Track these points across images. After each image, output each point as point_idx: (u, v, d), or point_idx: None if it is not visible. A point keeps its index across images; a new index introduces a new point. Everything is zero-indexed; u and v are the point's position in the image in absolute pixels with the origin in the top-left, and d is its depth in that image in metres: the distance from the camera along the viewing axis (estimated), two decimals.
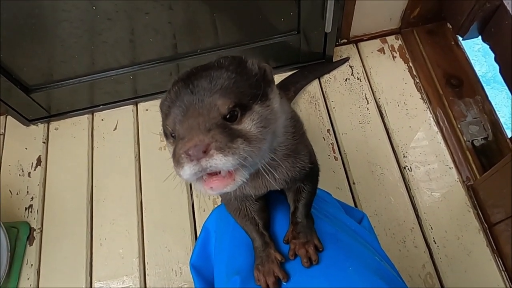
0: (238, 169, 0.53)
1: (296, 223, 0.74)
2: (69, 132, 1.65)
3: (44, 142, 1.64)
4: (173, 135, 0.57)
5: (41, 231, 1.47)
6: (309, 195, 0.76)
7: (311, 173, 0.76)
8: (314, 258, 0.69)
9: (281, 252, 0.72)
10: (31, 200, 1.53)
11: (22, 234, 1.44)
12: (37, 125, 1.68)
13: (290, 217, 0.76)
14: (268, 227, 0.77)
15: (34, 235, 1.46)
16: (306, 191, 0.76)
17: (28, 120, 1.65)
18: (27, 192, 1.54)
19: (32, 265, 1.41)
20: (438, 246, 1.30)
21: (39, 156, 1.61)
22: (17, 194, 1.54)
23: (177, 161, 0.52)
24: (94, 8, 1.21)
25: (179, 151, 0.51)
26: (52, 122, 1.68)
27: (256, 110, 0.57)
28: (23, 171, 1.59)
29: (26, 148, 1.63)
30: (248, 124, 0.56)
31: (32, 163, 1.60)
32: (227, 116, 0.55)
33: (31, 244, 1.45)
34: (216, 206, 1.40)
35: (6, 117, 1.71)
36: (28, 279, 1.40)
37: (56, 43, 1.33)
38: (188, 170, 0.51)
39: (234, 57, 0.63)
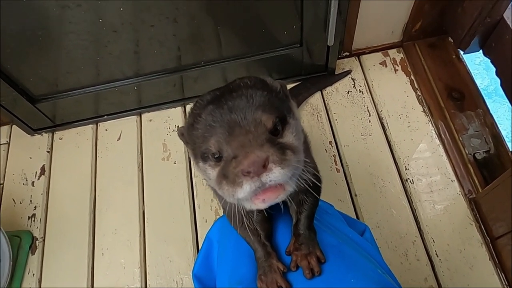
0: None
1: (298, 235, 0.74)
2: (73, 142, 1.66)
3: (48, 152, 1.65)
4: (216, 156, 0.56)
5: (44, 240, 1.48)
6: (311, 206, 0.77)
7: (314, 184, 0.76)
8: (316, 269, 0.69)
9: (283, 262, 0.72)
10: (34, 209, 1.53)
11: (24, 243, 1.44)
12: (42, 135, 1.69)
13: (292, 228, 0.76)
14: (270, 237, 0.78)
15: (37, 244, 1.47)
16: (309, 203, 0.76)
17: (33, 129, 1.66)
18: (30, 201, 1.55)
19: (33, 274, 1.41)
20: (440, 259, 1.30)
21: (43, 165, 1.62)
22: (21, 203, 1.55)
23: (233, 181, 0.51)
24: (100, 20, 1.24)
25: (234, 169, 0.51)
26: (56, 132, 1.69)
27: (291, 122, 0.59)
28: (27, 180, 1.60)
29: (30, 157, 1.64)
30: (289, 137, 0.57)
31: (36, 172, 1.61)
32: (273, 131, 0.56)
33: (33, 253, 1.45)
34: (218, 217, 1.41)
35: (11, 127, 1.72)
36: None
37: (62, 54, 1.35)
38: (248, 188, 0.50)
39: (254, 77, 0.65)
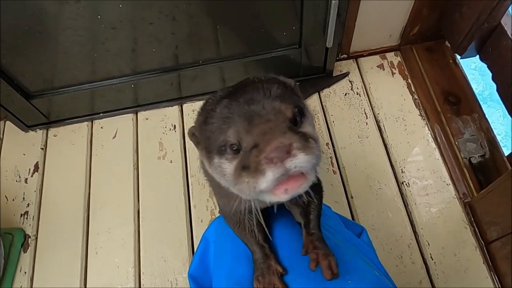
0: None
1: (311, 235, 0.72)
2: (68, 139, 1.65)
3: (42, 149, 1.63)
4: (234, 148, 0.53)
5: (36, 238, 1.46)
6: (318, 207, 0.76)
7: (317, 184, 0.75)
8: (336, 271, 0.67)
9: (281, 265, 0.72)
10: (27, 207, 1.51)
11: (16, 241, 1.42)
12: (36, 131, 1.67)
13: (303, 229, 0.74)
14: (268, 239, 0.77)
15: (29, 242, 1.45)
16: (315, 203, 0.75)
17: (27, 126, 1.64)
18: (23, 198, 1.53)
19: (25, 272, 1.39)
20: (435, 262, 1.30)
21: (37, 162, 1.60)
22: (13, 200, 1.53)
23: (255, 170, 0.48)
24: (99, 17, 1.23)
25: (256, 158, 0.48)
26: (51, 129, 1.67)
27: (307, 115, 0.58)
28: (20, 177, 1.58)
29: (24, 154, 1.62)
30: (307, 128, 0.56)
31: (30, 169, 1.59)
32: (293, 121, 0.54)
33: (25, 251, 1.43)
34: (214, 217, 1.41)
35: (5, 122, 1.70)
36: (21, 287, 1.37)
37: (59, 50, 1.34)
38: (271, 175, 0.47)
39: (266, 75, 0.64)
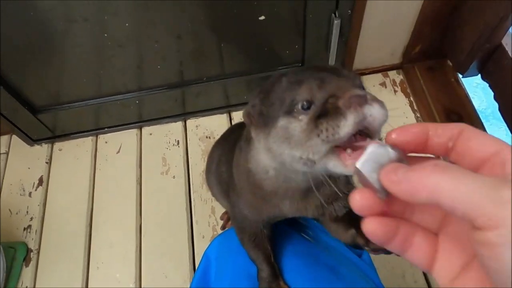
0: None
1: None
2: (73, 153, 1.66)
3: (47, 163, 1.65)
4: (305, 107, 0.49)
5: (38, 252, 1.46)
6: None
7: None
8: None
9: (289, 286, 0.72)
10: (30, 220, 1.52)
11: (19, 255, 1.42)
12: (41, 145, 1.69)
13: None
14: (276, 259, 0.77)
15: (31, 256, 1.45)
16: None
17: (32, 140, 1.66)
18: (27, 212, 1.54)
19: (26, 287, 1.40)
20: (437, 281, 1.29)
21: (41, 176, 1.61)
22: (17, 213, 1.54)
23: (334, 113, 0.45)
24: (105, 35, 1.25)
25: (334, 104, 0.46)
26: (56, 143, 1.69)
27: None
28: (24, 190, 1.59)
29: (29, 168, 1.64)
30: None
31: (34, 183, 1.60)
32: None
33: (27, 265, 1.44)
34: (215, 233, 1.41)
35: (10, 136, 1.72)
36: None
37: (66, 67, 1.36)
38: (351, 119, 0.44)
39: None
